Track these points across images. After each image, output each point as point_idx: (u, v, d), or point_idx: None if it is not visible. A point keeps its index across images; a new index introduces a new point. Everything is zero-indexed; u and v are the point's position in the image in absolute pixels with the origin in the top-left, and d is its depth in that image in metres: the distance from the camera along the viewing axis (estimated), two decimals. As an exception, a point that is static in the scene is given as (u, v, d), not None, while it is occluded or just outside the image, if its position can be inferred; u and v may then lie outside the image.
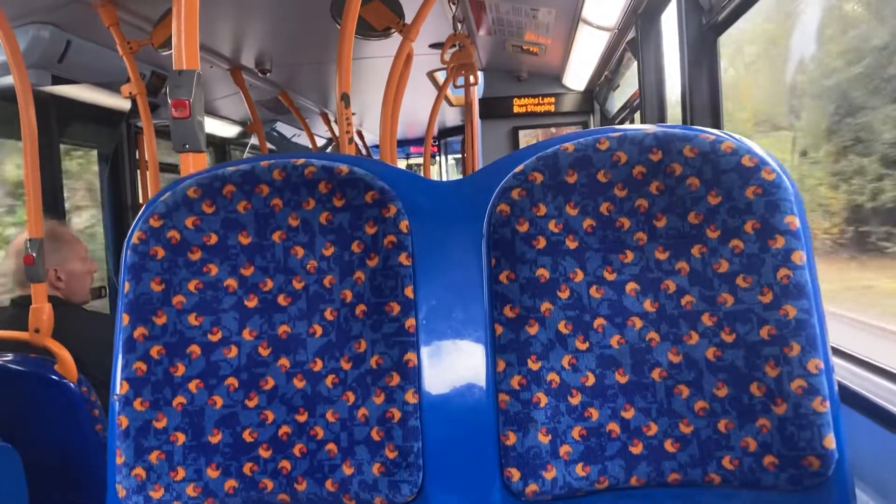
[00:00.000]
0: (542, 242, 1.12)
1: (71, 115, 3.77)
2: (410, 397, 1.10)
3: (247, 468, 1.12)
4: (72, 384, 1.94)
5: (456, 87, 4.50)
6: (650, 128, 1.14)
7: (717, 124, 2.47)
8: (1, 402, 1.94)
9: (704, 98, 2.49)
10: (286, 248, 1.17)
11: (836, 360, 1.09)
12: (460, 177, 6.50)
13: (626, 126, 1.17)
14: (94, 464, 1.98)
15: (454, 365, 1.13)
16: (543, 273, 1.12)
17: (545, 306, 1.11)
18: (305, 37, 3.99)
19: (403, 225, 1.14)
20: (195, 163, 1.36)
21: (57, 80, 3.21)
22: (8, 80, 2.28)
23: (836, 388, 1.06)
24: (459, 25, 3.92)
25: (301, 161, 1.16)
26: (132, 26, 3.04)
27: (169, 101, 1.34)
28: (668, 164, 1.11)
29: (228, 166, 1.17)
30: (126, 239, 1.16)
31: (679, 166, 1.10)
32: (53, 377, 1.93)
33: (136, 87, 3.05)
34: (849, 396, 1.29)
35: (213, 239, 1.16)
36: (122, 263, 1.15)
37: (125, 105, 3.98)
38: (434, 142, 8.23)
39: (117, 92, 3.27)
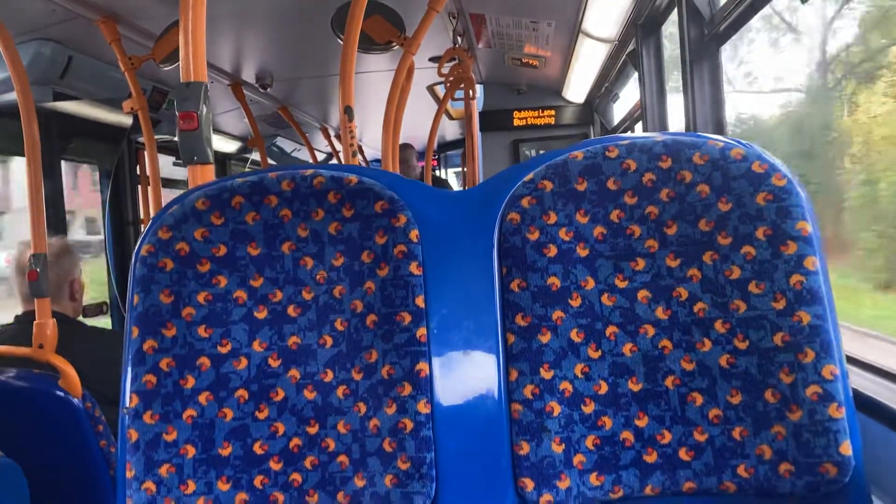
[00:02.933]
0: (552, 250, 1.12)
1: (72, 130, 3.77)
2: (423, 407, 1.09)
3: (257, 481, 1.11)
4: (76, 400, 1.93)
5: (454, 100, 4.51)
6: (659, 135, 1.14)
7: (720, 134, 2.47)
8: (4, 419, 1.93)
9: (707, 109, 2.49)
10: (296, 259, 1.16)
11: (850, 367, 1.09)
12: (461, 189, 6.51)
13: (635, 134, 1.17)
14: (98, 480, 1.96)
15: (466, 374, 1.12)
16: (555, 281, 1.11)
17: (557, 314, 1.11)
18: (306, 51, 4.01)
19: (413, 234, 1.14)
20: (203, 175, 1.35)
21: (58, 96, 3.22)
22: (10, 96, 2.28)
23: (851, 394, 1.05)
24: (459, 39, 3.94)
25: (310, 172, 1.16)
26: (134, 42, 3.05)
27: (176, 113, 1.34)
28: (677, 172, 1.11)
29: (237, 178, 1.17)
30: (134, 251, 1.15)
31: (689, 173, 1.10)
32: (58, 393, 1.92)
33: (138, 102, 3.06)
34: (864, 403, 1.28)
35: (222, 250, 1.15)
36: (131, 276, 1.14)
37: (126, 121, 3.98)
38: (434, 155, 8.24)
39: (118, 108, 3.27)
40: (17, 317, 2.36)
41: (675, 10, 2.66)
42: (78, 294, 2.49)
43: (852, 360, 1.53)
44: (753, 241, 1.07)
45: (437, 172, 8.94)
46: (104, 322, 4.03)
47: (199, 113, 1.33)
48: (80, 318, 2.61)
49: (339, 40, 2.59)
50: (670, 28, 3.26)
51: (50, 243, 2.37)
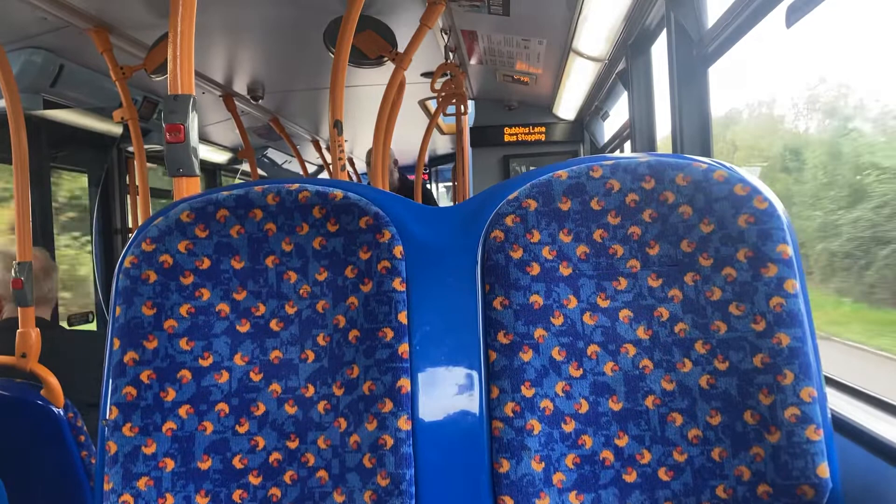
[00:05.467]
0: (535, 269, 1.12)
1: (62, 139, 3.77)
2: (403, 424, 1.09)
3: (236, 495, 1.10)
4: (58, 410, 1.91)
5: (446, 115, 4.53)
6: (643, 156, 1.15)
7: (706, 155, 2.49)
8: None
9: (695, 129, 2.50)
10: (279, 273, 1.16)
11: (828, 390, 1.09)
12: (451, 204, 6.53)
13: (620, 154, 1.18)
14: (79, 491, 1.95)
15: (447, 391, 1.12)
16: (537, 299, 1.12)
17: (539, 333, 1.11)
18: (298, 64, 4.02)
19: (397, 250, 1.14)
20: (188, 187, 1.35)
21: (49, 105, 3.22)
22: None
23: (829, 416, 1.05)
24: (451, 55, 3.96)
25: (295, 186, 1.16)
26: (125, 52, 3.06)
27: (163, 125, 1.34)
28: (660, 192, 1.11)
29: (222, 191, 1.17)
30: (118, 263, 1.15)
31: (672, 194, 1.11)
32: (39, 403, 1.91)
33: (128, 112, 3.06)
34: (842, 425, 1.29)
35: (206, 263, 1.15)
36: (114, 287, 1.14)
37: (116, 129, 3.98)
38: (425, 169, 8.26)
39: (108, 117, 3.28)
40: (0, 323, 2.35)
41: (665, 31, 2.69)
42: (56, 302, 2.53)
43: (832, 382, 1.54)
44: (734, 263, 1.08)
45: (427, 186, 8.96)
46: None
47: (186, 125, 1.33)
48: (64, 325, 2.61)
49: (331, 54, 2.60)
50: (660, 48, 3.29)
51: (36, 256, 2.37)
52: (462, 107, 4.33)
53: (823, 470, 1.02)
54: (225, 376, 1.13)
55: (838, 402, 1.44)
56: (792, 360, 1.04)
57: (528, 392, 1.09)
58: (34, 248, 2.26)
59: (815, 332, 1.08)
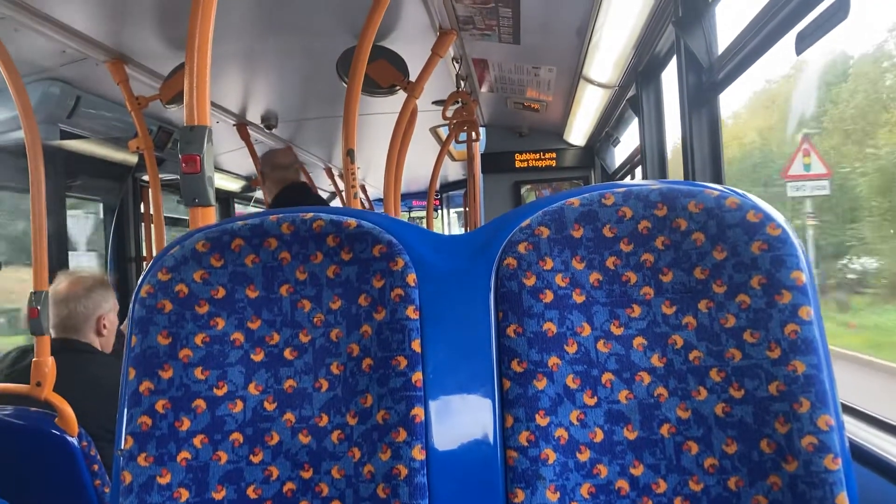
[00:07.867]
0: (549, 296, 1.12)
1: (78, 168, 3.81)
2: (417, 453, 1.08)
3: None
4: (72, 439, 1.92)
5: (458, 142, 4.56)
6: (655, 183, 1.15)
7: (718, 181, 2.50)
8: None
9: (706, 156, 2.51)
10: (293, 302, 1.17)
11: (846, 418, 1.08)
12: (462, 230, 6.54)
13: (631, 181, 1.18)
14: None
15: (462, 420, 1.11)
16: (551, 327, 1.11)
17: (553, 361, 1.11)
18: (311, 93, 4.07)
19: (411, 278, 1.14)
20: (204, 217, 1.37)
21: (65, 135, 3.27)
22: (18, 134, 2.32)
23: (847, 445, 1.04)
24: (462, 83, 3.99)
25: (309, 215, 1.17)
26: (140, 82, 3.10)
27: (179, 156, 1.36)
28: (673, 220, 1.12)
29: (237, 220, 1.18)
30: (134, 292, 1.16)
31: (684, 221, 1.11)
32: (54, 432, 1.91)
33: (144, 142, 3.10)
34: (861, 454, 1.28)
35: (221, 293, 1.16)
36: (130, 317, 1.15)
37: (131, 159, 4.03)
38: (436, 196, 8.29)
39: (124, 146, 3.32)
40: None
41: (675, 57, 2.71)
42: (106, 330, 2.48)
43: (849, 410, 1.53)
44: (748, 290, 1.08)
45: (439, 213, 8.98)
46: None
47: (202, 156, 1.35)
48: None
49: (344, 83, 2.64)
50: (670, 75, 3.30)
51: (83, 277, 2.41)
52: (473, 134, 4.35)
53: (843, 500, 1.01)
54: (239, 405, 1.14)
55: (857, 431, 1.43)
56: (808, 387, 1.04)
57: (542, 421, 1.09)
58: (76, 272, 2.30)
59: (831, 360, 1.07)
